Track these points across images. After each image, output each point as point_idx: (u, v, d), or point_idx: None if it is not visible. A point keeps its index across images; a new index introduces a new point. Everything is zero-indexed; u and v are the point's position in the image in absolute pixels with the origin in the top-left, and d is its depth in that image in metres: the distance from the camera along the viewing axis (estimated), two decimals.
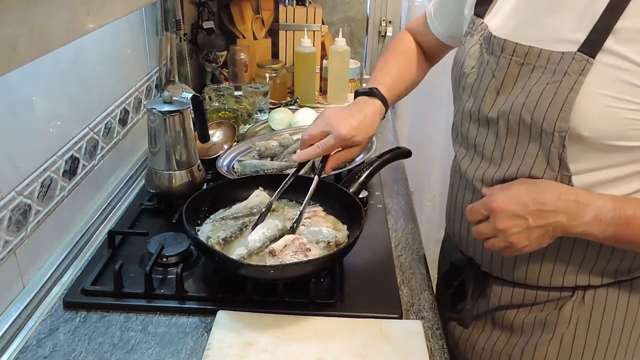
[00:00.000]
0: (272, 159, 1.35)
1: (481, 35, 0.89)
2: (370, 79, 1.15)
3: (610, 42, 0.73)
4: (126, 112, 1.37)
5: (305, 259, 0.92)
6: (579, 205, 0.77)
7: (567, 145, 0.77)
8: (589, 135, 0.75)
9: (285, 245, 0.94)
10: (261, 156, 1.36)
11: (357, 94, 1.11)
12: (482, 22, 0.90)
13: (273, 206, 1.09)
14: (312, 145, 1.04)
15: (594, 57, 0.73)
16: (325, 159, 1.06)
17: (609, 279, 0.89)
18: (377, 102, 1.08)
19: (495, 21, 0.88)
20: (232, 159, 1.37)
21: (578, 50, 0.75)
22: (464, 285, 1.01)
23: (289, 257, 0.93)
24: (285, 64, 1.96)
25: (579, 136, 0.76)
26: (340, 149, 1.05)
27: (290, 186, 1.12)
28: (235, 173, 1.30)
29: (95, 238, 1.15)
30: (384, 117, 1.11)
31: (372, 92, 1.09)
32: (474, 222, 0.84)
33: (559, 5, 0.79)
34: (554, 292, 0.91)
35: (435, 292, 1.07)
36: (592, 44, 0.74)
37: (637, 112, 0.73)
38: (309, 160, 1.08)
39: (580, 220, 0.76)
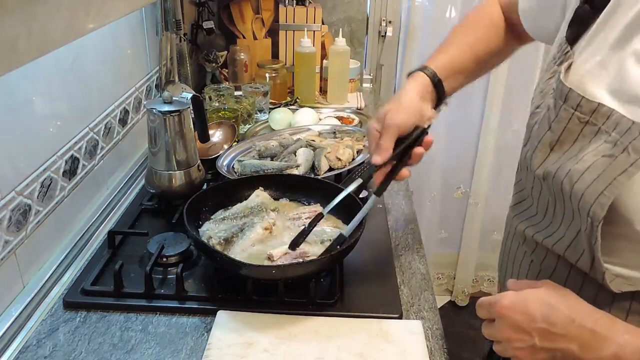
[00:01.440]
0: (272, 159, 1.35)
1: (559, 79, 0.70)
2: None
3: None
4: (126, 112, 1.37)
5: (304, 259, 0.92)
6: (596, 338, 0.63)
7: (599, 237, 0.64)
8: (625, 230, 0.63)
9: (286, 253, 0.94)
10: (261, 156, 1.36)
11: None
12: (569, 52, 0.71)
13: (273, 206, 1.09)
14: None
15: None
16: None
17: None
18: (418, 77, 0.93)
19: (583, 56, 0.69)
20: (232, 159, 1.37)
21: None
22: None
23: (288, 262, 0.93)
24: (285, 64, 1.96)
25: (633, 229, 0.63)
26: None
27: (291, 186, 1.12)
28: (236, 173, 1.30)
29: (95, 238, 1.15)
30: (440, 94, 0.95)
31: (419, 69, 0.95)
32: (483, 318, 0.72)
33: None
34: None
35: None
36: None
37: None
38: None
39: (595, 354, 0.63)
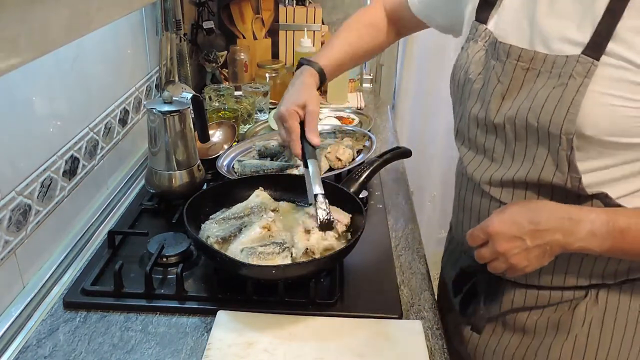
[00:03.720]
0: (272, 159, 1.35)
1: (486, 42, 0.89)
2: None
3: (611, 44, 0.74)
4: (126, 112, 1.37)
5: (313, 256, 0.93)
6: (572, 222, 0.77)
7: (574, 146, 0.78)
8: (593, 134, 0.76)
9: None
10: (261, 156, 1.36)
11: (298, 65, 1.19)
12: (486, 29, 0.90)
13: (273, 206, 1.09)
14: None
15: (598, 60, 0.75)
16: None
17: (622, 277, 0.89)
18: (310, 71, 1.15)
19: (499, 27, 0.88)
20: (232, 159, 1.37)
21: (582, 53, 0.76)
22: (475, 289, 0.99)
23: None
24: (285, 64, 1.96)
25: (583, 135, 0.77)
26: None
27: (291, 186, 1.12)
28: (236, 173, 1.30)
29: (95, 238, 1.15)
30: (321, 83, 1.16)
31: (308, 64, 1.17)
32: (474, 246, 0.84)
33: (560, 10, 0.80)
34: (567, 292, 0.91)
35: (437, 295, 1.06)
36: (595, 47, 0.75)
37: (638, 110, 0.75)
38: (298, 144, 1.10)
39: (575, 236, 0.77)
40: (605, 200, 0.82)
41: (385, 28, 1.24)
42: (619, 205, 0.82)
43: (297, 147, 1.08)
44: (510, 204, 0.84)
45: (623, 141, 0.77)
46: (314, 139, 1.08)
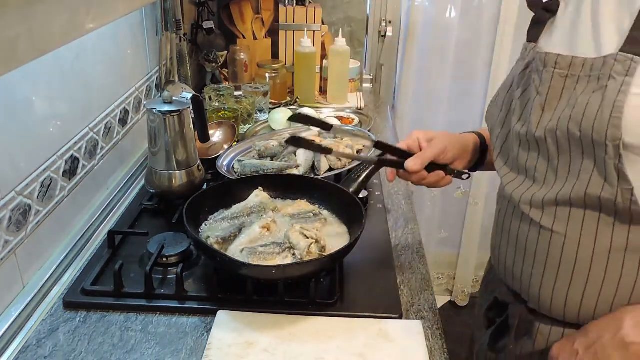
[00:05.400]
0: (272, 159, 1.35)
1: (530, 57, 0.85)
2: None
3: None
4: (126, 112, 1.37)
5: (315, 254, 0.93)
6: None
7: (623, 153, 0.70)
8: (636, 142, 0.69)
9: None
10: (261, 156, 1.36)
11: None
12: (534, 46, 0.85)
13: (273, 206, 1.09)
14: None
15: (638, 55, 0.68)
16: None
17: None
18: (470, 135, 1.08)
19: (546, 42, 0.84)
20: (232, 159, 1.37)
21: (620, 51, 0.70)
22: (507, 322, 0.93)
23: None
24: (285, 64, 1.96)
25: (630, 145, 0.69)
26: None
27: (291, 186, 1.12)
28: (236, 173, 1.30)
29: (95, 238, 1.15)
30: (479, 148, 1.08)
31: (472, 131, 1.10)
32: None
33: (600, 14, 0.75)
34: None
35: (473, 329, 1.03)
36: (634, 42, 0.69)
37: None
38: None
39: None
40: None
41: None
42: None
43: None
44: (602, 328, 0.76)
45: None
46: (411, 165, 0.99)
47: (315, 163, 1.30)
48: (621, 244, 0.75)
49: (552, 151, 0.78)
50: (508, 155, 0.89)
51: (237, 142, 1.48)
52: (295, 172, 1.27)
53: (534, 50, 0.84)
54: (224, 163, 1.34)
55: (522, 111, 0.84)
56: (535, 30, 0.86)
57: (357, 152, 1.36)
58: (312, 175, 1.28)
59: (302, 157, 1.32)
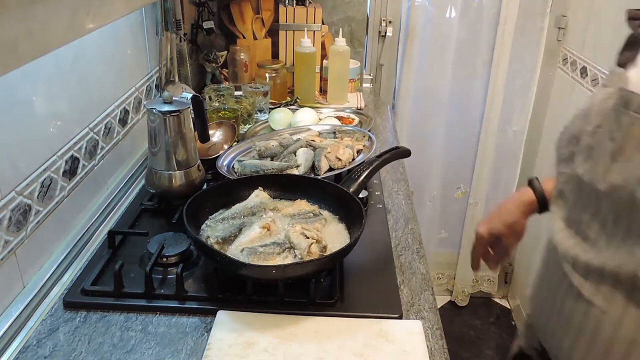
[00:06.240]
0: (272, 159, 1.35)
1: (618, 89, 0.70)
2: None
3: None
4: (126, 112, 1.37)
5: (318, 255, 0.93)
6: None
7: None
8: None
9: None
10: (261, 156, 1.36)
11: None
12: (624, 73, 0.71)
13: (273, 205, 1.09)
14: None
15: None
16: None
17: None
18: (527, 190, 1.02)
19: (636, 72, 0.69)
20: (232, 159, 1.37)
21: None
22: None
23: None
24: (285, 64, 1.96)
25: None
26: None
27: (291, 186, 1.12)
28: (235, 173, 1.30)
29: (95, 238, 1.15)
30: (538, 210, 1.02)
31: (530, 182, 1.03)
32: None
33: None
34: None
35: None
36: None
37: None
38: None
39: None
40: None
41: None
42: None
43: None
44: None
45: None
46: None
47: (315, 163, 1.30)
48: None
49: (612, 211, 0.68)
50: (564, 197, 0.79)
51: (237, 142, 1.48)
52: (295, 172, 1.27)
53: (619, 78, 0.70)
54: (224, 163, 1.34)
55: (591, 153, 0.71)
56: (628, 54, 0.72)
57: (357, 152, 1.36)
58: (312, 176, 1.28)
59: (302, 157, 1.32)
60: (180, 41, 1.68)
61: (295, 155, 1.33)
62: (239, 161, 1.34)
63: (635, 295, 0.67)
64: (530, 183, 1.02)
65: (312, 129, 1.52)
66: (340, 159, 1.30)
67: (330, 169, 1.30)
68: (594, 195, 0.70)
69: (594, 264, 0.70)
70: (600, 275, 0.69)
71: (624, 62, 0.72)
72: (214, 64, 1.94)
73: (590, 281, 0.71)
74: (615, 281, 0.68)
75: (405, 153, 1.27)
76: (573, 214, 0.75)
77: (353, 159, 1.33)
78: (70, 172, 1.11)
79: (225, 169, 1.32)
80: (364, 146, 1.38)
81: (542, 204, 0.99)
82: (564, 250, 0.76)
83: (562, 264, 0.76)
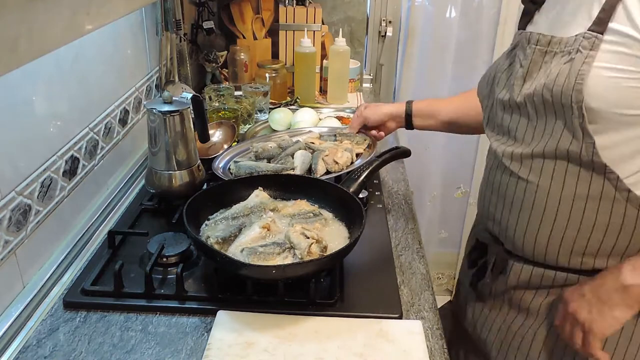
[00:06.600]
0: (269, 161, 1.33)
1: (517, 39, 0.98)
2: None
3: (615, 20, 0.81)
4: (126, 112, 1.37)
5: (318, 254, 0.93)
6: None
7: (585, 114, 0.83)
8: (600, 106, 0.82)
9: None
10: (258, 158, 1.34)
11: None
12: (522, 32, 0.97)
13: (272, 205, 1.09)
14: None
15: (602, 34, 0.82)
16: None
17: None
18: (401, 104, 1.36)
19: (532, 28, 0.97)
20: (228, 162, 1.36)
21: (588, 30, 0.83)
22: (486, 264, 1.06)
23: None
24: (285, 64, 1.96)
25: (592, 109, 0.83)
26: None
27: (291, 186, 1.12)
28: (231, 174, 1.29)
29: (95, 238, 1.15)
30: (406, 120, 1.35)
31: (408, 101, 1.36)
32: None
33: (574, 2, 0.89)
34: (572, 275, 0.94)
35: (458, 274, 1.10)
36: (600, 23, 0.82)
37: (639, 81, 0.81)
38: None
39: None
40: (616, 184, 0.86)
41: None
42: (629, 190, 0.86)
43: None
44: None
45: (629, 113, 0.82)
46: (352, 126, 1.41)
47: (312, 166, 1.29)
48: (583, 192, 0.88)
49: (531, 114, 0.92)
50: (494, 121, 1.02)
51: (237, 142, 1.48)
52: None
53: (520, 34, 0.97)
54: (220, 165, 1.34)
55: (506, 81, 0.98)
56: (524, 20, 1.01)
57: (357, 155, 1.34)
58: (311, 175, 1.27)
59: (299, 159, 1.30)
60: (180, 41, 1.69)
61: (293, 158, 1.32)
62: (235, 162, 1.33)
63: (557, 164, 0.89)
64: (408, 102, 1.35)
65: (312, 131, 1.51)
66: (337, 162, 1.28)
67: (328, 172, 1.28)
68: (515, 107, 0.95)
69: (526, 152, 0.93)
70: (531, 158, 0.92)
71: (522, 27, 1.00)
72: (214, 64, 1.94)
73: (524, 165, 0.94)
74: (542, 159, 0.91)
75: (405, 153, 1.27)
76: (502, 127, 0.98)
77: (352, 163, 1.30)
78: (70, 172, 1.11)
79: (221, 170, 1.31)
80: (364, 150, 1.36)
81: (407, 116, 1.34)
82: (501, 152, 0.97)
83: (501, 162, 0.98)
